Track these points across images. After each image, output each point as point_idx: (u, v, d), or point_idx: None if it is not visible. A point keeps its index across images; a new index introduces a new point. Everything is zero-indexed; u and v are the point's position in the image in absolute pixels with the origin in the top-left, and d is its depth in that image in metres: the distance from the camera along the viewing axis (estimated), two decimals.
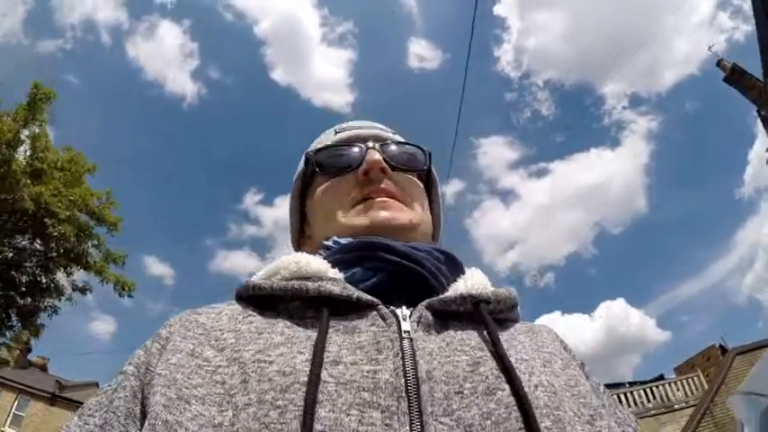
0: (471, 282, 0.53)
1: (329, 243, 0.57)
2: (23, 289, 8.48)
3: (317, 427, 0.36)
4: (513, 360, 0.44)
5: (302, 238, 0.71)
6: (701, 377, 13.76)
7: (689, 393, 13.29)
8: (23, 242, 8.37)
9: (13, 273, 8.32)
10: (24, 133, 7.92)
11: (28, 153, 8.05)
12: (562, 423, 0.40)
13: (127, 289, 8.80)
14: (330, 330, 0.45)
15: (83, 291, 9.05)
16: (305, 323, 0.47)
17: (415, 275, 0.52)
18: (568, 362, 0.52)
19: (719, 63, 10.99)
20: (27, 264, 8.40)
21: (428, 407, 0.39)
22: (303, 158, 0.68)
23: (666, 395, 13.42)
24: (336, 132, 0.68)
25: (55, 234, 7.97)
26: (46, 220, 7.87)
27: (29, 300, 8.57)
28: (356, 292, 0.48)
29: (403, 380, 0.40)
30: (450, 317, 0.49)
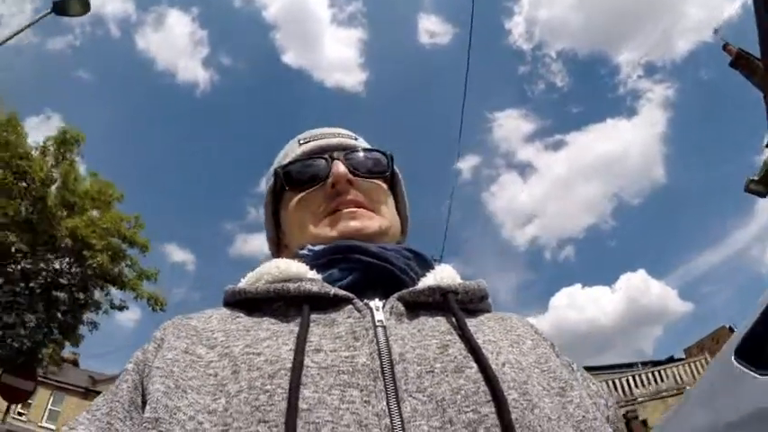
0: (440, 275, 0.58)
1: (304, 252, 0.61)
2: (64, 307, 9.01)
3: (303, 405, 0.40)
4: (480, 342, 0.48)
5: (280, 246, 0.73)
6: (709, 360, 13.96)
7: (697, 376, 13.54)
8: (62, 265, 8.84)
9: (54, 292, 8.83)
10: (55, 172, 8.24)
11: (59, 185, 8.37)
12: (529, 395, 0.44)
13: (159, 305, 9.25)
14: (311, 324, 0.49)
15: (120, 308, 9.57)
16: (288, 320, 0.51)
17: (386, 273, 0.56)
18: (538, 342, 0.55)
19: (725, 47, 10.89)
20: (65, 282, 8.89)
21: (402, 385, 0.42)
22: (272, 172, 0.70)
23: (674, 377, 13.71)
24: (300, 144, 0.70)
25: (94, 265, 8.40)
26: (84, 252, 8.29)
27: (69, 316, 9.12)
28: (333, 289, 0.52)
29: (378, 362, 0.44)
30: (420, 307, 0.53)
